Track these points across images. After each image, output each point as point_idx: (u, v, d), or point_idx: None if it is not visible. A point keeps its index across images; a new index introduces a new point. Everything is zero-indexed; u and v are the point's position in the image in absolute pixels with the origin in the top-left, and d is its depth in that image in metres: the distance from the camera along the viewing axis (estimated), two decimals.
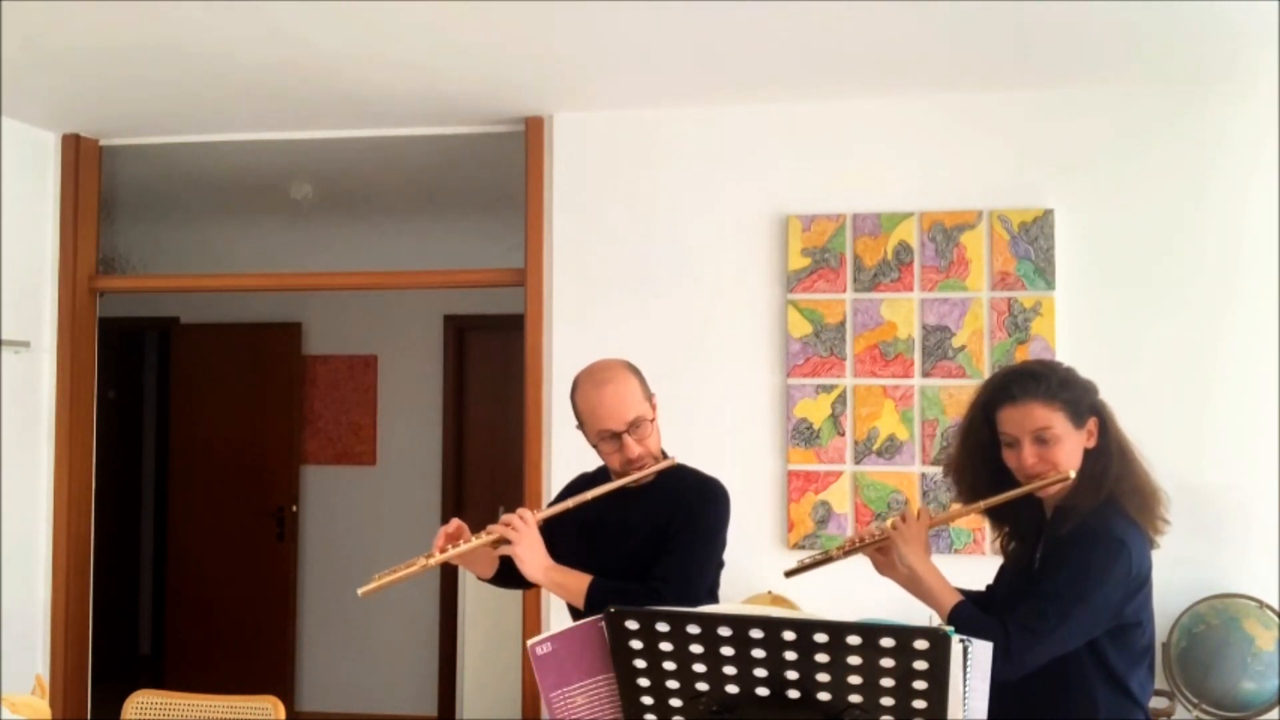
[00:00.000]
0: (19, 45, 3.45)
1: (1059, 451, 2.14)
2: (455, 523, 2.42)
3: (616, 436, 2.39)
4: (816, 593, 2.70)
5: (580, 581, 2.35)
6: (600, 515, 2.44)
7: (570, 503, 2.42)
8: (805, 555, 2.46)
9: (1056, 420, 2.14)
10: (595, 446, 2.47)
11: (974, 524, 3.67)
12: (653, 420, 2.44)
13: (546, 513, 2.42)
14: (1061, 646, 2.06)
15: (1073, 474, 2.13)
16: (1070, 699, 2.12)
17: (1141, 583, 2.11)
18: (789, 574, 2.43)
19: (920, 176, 3.93)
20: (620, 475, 2.43)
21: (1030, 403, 2.15)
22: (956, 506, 2.33)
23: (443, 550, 2.36)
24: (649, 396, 2.46)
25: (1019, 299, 3.83)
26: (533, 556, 2.34)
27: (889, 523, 2.27)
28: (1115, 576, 2.06)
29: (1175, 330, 3.75)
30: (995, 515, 2.31)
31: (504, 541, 2.36)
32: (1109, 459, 2.17)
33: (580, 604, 2.34)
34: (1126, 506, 2.15)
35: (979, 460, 2.26)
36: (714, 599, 2.44)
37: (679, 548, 2.40)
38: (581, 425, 2.49)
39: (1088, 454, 2.17)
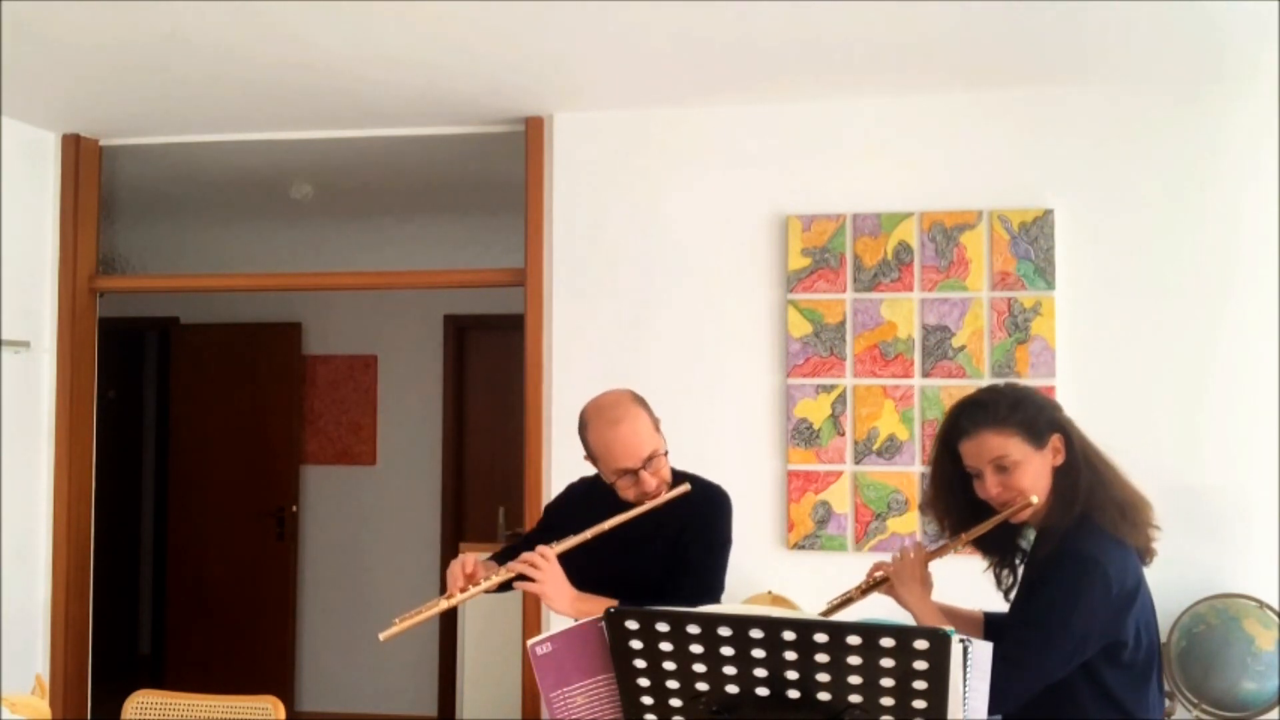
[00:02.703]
0: (19, 45, 3.45)
1: (1021, 477, 2.11)
2: (471, 561, 2.40)
3: (633, 472, 2.42)
4: (816, 592, 2.70)
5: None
6: (613, 531, 2.44)
7: (588, 534, 2.40)
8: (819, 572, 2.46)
9: (1012, 445, 2.11)
10: (611, 481, 2.47)
11: None
12: (665, 453, 2.47)
13: (563, 547, 2.39)
14: (1050, 675, 2.02)
15: (1034, 499, 2.10)
16: (1059, 713, 2.09)
17: (1128, 598, 2.06)
18: (824, 615, 2.43)
19: (920, 176, 3.93)
20: (634, 503, 2.44)
21: (982, 433, 2.13)
22: (945, 542, 2.29)
23: (463, 590, 2.35)
24: (657, 426, 2.48)
25: (1019, 299, 3.83)
26: (559, 593, 2.34)
27: (891, 561, 2.28)
28: (1094, 598, 2.01)
29: (1175, 330, 3.75)
30: (982, 548, 2.29)
31: (524, 579, 2.35)
32: (1077, 474, 2.12)
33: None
34: (1103, 521, 2.09)
35: (951, 495, 2.25)
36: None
37: (697, 563, 2.44)
38: (594, 461, 2.50)
39: (1057, 472, 2.14)
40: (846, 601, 2.35)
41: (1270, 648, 3.47)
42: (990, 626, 2.33)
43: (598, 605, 2.33)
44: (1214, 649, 3.51)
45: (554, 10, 3.15)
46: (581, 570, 2.39)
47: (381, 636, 2.27)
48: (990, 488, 2.14)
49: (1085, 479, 2.12)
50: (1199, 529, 3.65)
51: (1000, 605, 2.36)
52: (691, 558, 2.44)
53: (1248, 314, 3.72)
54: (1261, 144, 3.73)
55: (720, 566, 2.48)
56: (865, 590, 2.31)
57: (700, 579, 2.43)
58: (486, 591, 2.37)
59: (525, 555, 2.36)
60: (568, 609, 2.34)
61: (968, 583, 2.42)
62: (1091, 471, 2.14)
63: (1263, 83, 3.69)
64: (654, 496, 2.43)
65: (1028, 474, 2.11)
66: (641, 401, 2.50)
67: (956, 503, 2.24)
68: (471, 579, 2.37)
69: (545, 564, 2.33)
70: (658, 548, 2.45)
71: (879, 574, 2.30)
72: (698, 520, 2.47)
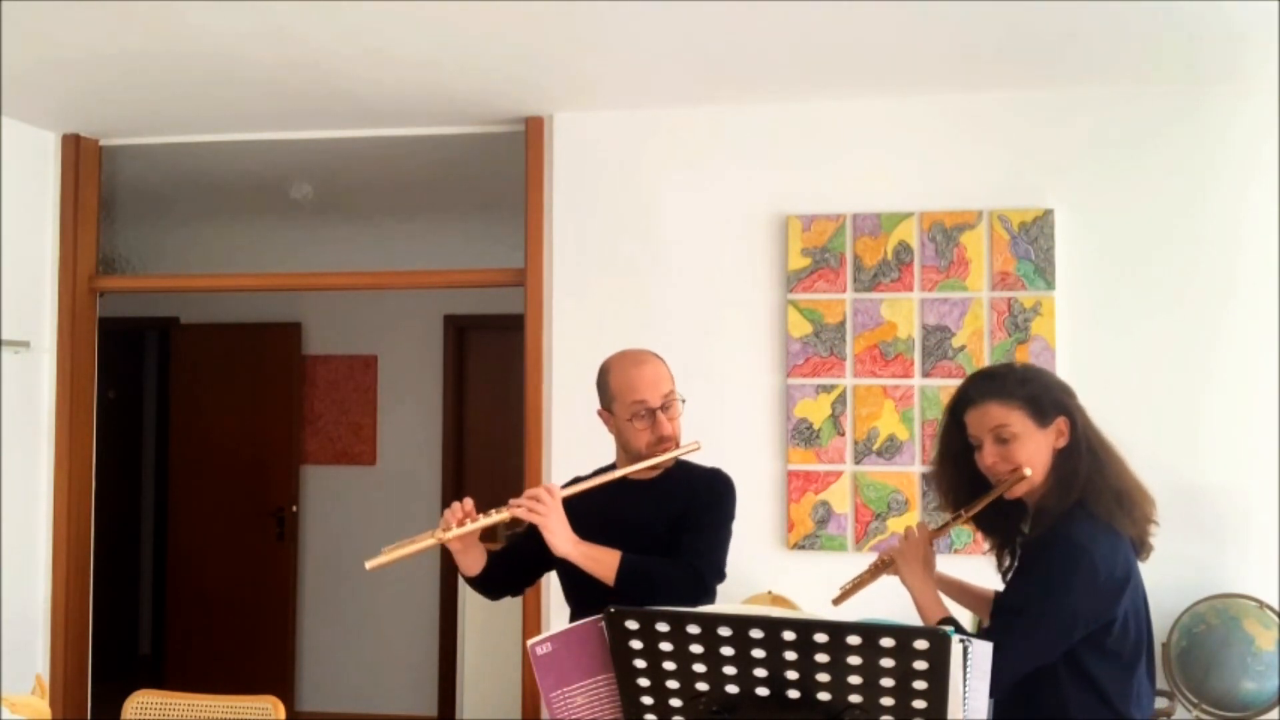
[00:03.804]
0: (19, 46, 3.45)
1: (1018, 450, 2.12)
2: (469, 501, 2.38)
3: (651, 412, 2.42)
4: (816, 592, 2.71)
5: (611, 556, 2.33)
6: (613, 510, 2.45)
7: (596, 480, 2.41)
8: (843, 580, 2.46)
9: (1014, 418, 2.12)
10: (626, 423, 2.46)
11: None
12: (682, 403, 2.49)
13: (570, 490, 2.39)
14: (1035, 659, 2.03)
15: (1028, 471, 2.10)
16: (1041, 701, 2.09)
17: (1117, 585, 2.05)
18: (836, 601, 2.45)
19: (920, 176, 3.93)
20: (641, 458, 2.44)
21: (988, 402, 2.14)
22: (946, 517, 2.31)
23: (460, 524, 2.32)
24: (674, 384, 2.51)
25: (1019, 299, 3.83)
26: (561, 529, 2.31)
27: (897, 546, 2.30)
28: (1078, 585, 2.01)
29: (1175, 330, 3.76)
30: (983, 529, 2.30)
31: (530, 514, 2.32)
32: (1079, 459, 2.12)
33: (611, 578, 2.32)
34: (1098, 508, 2.10)
35: (955, 467, 2.26)
36: (718, 583, 2.46)
37: (703, 528, 2.42)
38: (611, 404, 2.49)
39: (1058, 454, 2.14)
40: (858, 585, 2.38)
41: (1270, 648, 3.47)
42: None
43: (601, 551, 2.33)
44: (1214, 649, 3.51)
45: (554, 10, 3.15)
46: None
47: (369, 565, 2.21)
48: (987, 457, 2.15)
49: (1085, 465, 2.12)
50: (1199, 529, 3.65)
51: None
52: (696, 523, 2.42)
53: (1248, 313, 3.72)
54: (1262, 144, 3.73)
55: (723, 541, 2.46)
56: (875, 573, 2.35)
57: (707, 539, 2.40)
58: (480, 529, 2.34)
59: (530, 490, 2.35)
60: (569, 549, 2.32)
61: (968, 571, 2.43)
62: (1093, 458, 2.14)
63: (1263, 82, 3.68)
64: (666, 447, 2.43)
65: (1025, 449, 2.12)
66: (664, 360, 2.54)
67: (959, 476, 2.25)
68: (470, 516, 2.34)
69: (550, 500, 2.32)
70: (660, 529, 2.43)
71: (886, 556, 2.33)
72: (699, 501, 2.47)
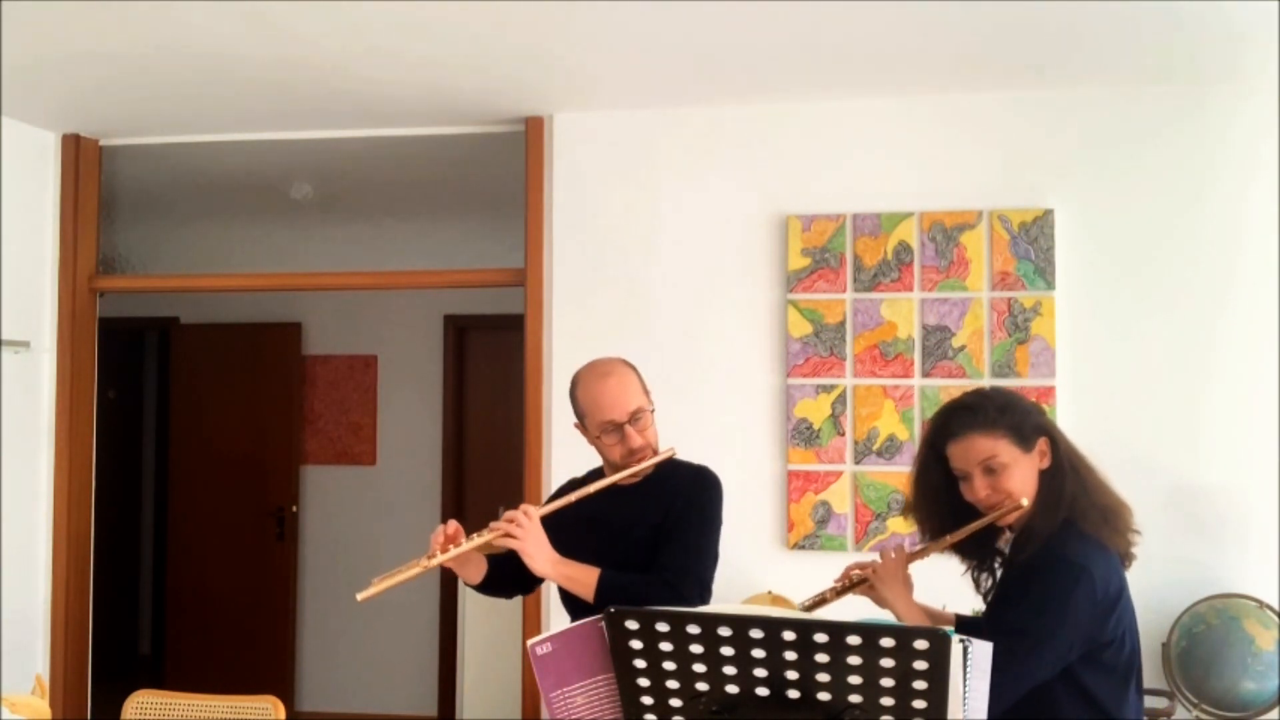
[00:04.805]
0: (20, 45, 3.45)
1: (1009, 479, 2.11)
2: (453, 524, 2.40)
3: (619, 428, 2.43)
4: (816, 593, 2.71)
5: (589, 574, 2.35)
6: (597, 513, 2.46)
7: (572, 497, 2.42)
8: (812, 584, 2.42)
9: (1001, 447, 2.11)
10: (596, 440, 2.48)
11: None
12: (651, 412, 2.48)
13: (547, 508, 2.41)
14: (1036, 679, 2.02)
15: (1025, 501, 2.10)
16: (1039, 718, 2.08)
17: (1111, 604, 2.05)
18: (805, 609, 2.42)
19: (920, 176, 3.93)
20: (620, 469, 2.45)
21: (971, 435, 2.13)
22: (929, 544, 2.27)
23: (443, 550, 2.34)
24: (647, 393, 2.51)
25: (1019, 299, 3.83)
26: (539, 551, 2.34)
27: (871, 565, 2.27)
28: (1078, 604, 2.01)
29: (1175, 330, 3.76)
30: (962, 551, 2.28)
31: (508, 537, 2.34)
32: (1063, 478, 2.12)
33: (590, 596, 2.34)
34: (1085, 525, 2.10)
35: (936, 500, 2.24)
36: (709, 592, 2.45)
37: (682, 536, 2.42)
38: (582, 420, 2.51)
39: (1043, 475, 2.14)
40: (821, 602, 2.32)
41: (1270, 648, 3.47)
42: (962, 628, 2.31)
43: (579, 570, 2.35)
44: (1214, 649, 3.51)
45: (555, 10, 3.15)
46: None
47: (359, 597, 2.23)
48: (978, 490, 2.14)
49: (1070, 483, 2.12)
50: (1199, 529, 3.65)
51: (968, 605, 2.37)
52: (675, 530, 2.42)
53: (1248, 313, 3.72)
54: (1262, 144, 3.73)
55: (705, 550, 2.45)
56: (841, 591, 2.30)
57: (685, 549, 2.40)
58: (467, 551, 2.35)
59: (508, 513, 2.36)
60: (549, 569, 2.35)
61: (950, 582, 2.42)
62: (1076, 476, 2.14)
63: (1263, 82, 3.69)
64: (640, 457, 2.43)
65: (1015, 476, 2.12)
66: (632, 366, 2.53)
67: (940, 507, 2.24)
68: (453, 540, 2.36)
69: (528, 522, 2.34)
70: (645, 532, 2.44)
71: (856, 573, 2.29)
72: (684, 498, 2.47)
